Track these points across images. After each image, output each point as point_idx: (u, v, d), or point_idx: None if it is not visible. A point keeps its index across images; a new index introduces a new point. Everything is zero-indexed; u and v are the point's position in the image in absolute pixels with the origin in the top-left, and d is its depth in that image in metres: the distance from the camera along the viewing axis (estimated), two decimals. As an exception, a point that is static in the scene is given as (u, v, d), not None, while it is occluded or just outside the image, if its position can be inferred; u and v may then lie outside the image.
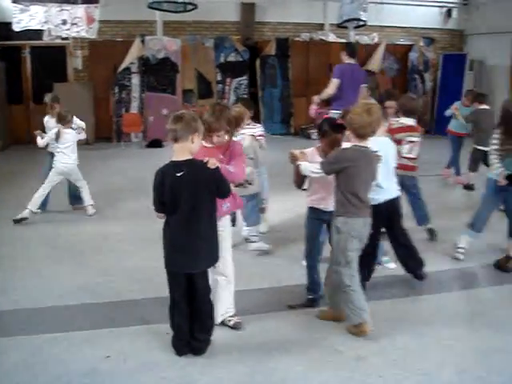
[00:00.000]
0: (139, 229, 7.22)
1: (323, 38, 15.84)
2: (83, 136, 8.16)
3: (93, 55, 14.03)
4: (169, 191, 3.96)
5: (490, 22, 16.12)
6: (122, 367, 4.10)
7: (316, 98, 8.94)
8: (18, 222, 7.51)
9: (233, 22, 15.52)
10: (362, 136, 4.44)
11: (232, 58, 15.08)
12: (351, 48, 9.37)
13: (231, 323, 4.68)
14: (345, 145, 4.62)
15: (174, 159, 4.02)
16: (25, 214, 7.56)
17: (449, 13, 17.32)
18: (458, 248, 6.36)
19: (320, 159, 4.70)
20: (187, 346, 4.25)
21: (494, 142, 6.04)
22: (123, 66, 13.91)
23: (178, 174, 3.94)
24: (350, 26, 13.10)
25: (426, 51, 16.72)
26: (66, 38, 13.28)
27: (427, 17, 17.14)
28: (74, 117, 8.05)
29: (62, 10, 11.61)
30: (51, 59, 14.25)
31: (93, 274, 5.82)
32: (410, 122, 6.46)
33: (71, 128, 7.85)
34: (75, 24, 11.73)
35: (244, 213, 6.43)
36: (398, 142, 6.17)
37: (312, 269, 5.09)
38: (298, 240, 6.06)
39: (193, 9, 11.00)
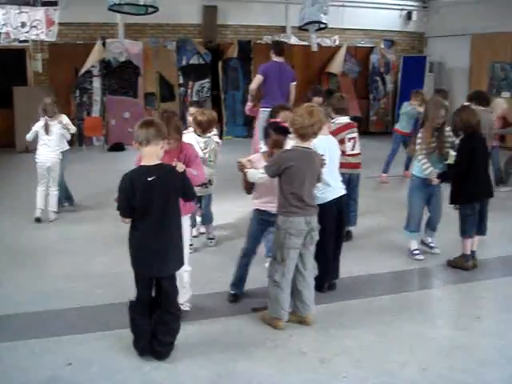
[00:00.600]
0: (102, 233, 7.16)
1: (285, 40, 15.87)
2: (68, 135, 8.09)
3: (53, 58, 13.83)
4: (140, 196, 3.97)
5: (449, 24, 16.37)
6: (84, 374, 4.05)
7: (249, 97, 9.32)
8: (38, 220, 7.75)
9: (195, 25, 15.45)
10: (303, 137, 4.54)
11: (194, 60, 15.04)
12: (279, 46, 9.49)
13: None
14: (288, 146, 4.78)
15: (144, 164, 4.04)
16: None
17: (409, 15, 17.52)
18: (413, 251, 6.50)
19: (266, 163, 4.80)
20: (149, 347, 4.22)
21: (419, 141, 6.29)
22: (84, 69, 13.76)
23: (150, 179, 3.96)
24: (312, 28, 13.16)
25: (386, 53, 16.92)
26: (25, 41, 13.09)
27: (388, 19, 17.30)
28: (64, 116, 8.11)
29: (21, 12, 11.48)
30: (10, 62, 14.01)
31: (55, 279, 5.75)
32: (345, 119, 6.64)
33: (61, 124, 7.87)
34: (35, 27, 11.60)
35: (203, 211, 6.74)
36: (341, 142, 6.33)
37: (243, 267, 5.21)
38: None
39: (154, 11, 10.94)
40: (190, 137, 6.18)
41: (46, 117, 7.71)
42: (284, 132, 4.83)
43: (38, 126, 7.74)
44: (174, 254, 4.18)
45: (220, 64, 15.10)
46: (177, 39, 15.00)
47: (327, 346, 4.47)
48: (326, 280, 5.45)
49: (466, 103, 7.01)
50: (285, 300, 4.68)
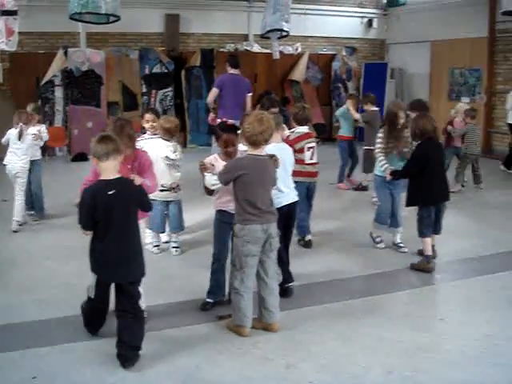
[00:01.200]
0: (66, 243, 7.07)
1: (248, 48, 15.97)
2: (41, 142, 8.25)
3: (14, 68, 13.66)
4: (102, 209, 4.08)
5: (410, 31, 16.61)
6: (48, 388, 4.01)
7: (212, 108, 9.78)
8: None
9: (157, 34, 15.44)
10: (255, 144, 4.62)
11: (157, 69, 14.99)
12: (234, 59, 9.89)
13: None
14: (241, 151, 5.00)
15: (104, 178, 4.16)
16: (13, 226, 7.70)
17: (370, 23, 17.73)
18: (376, 238, 7.02)
19: (222, 162, 4.97)
20: (116, 354, 4.24)
21: (379, 140, 6.74)
22: (46, 78, 13.63)
23: (110, 193, 4.08)
24: (274, 36, 13.24)
25: (348, 60, 17.09)
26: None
27: (349, 27, 17.48)
28: (43, 126, 8.36)
29: (-20, 21, 11.33)
30: (-31, 72, 13.84)
31: (18, 291, 5.66)
32: (305, 129, 6.79)
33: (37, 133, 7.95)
34: (-6, 37, 11.45)
35: (172, 219, 6.81)
36: (300, 151, 6.56)
37: (217, 272, 5.22)
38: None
39: (116, 20, 10.90)
40: (158, 143, 6.52)
41: (21, 124, 7.67)
42: (232, 130, 5.02)
43: (12, 132, 7.71)
44: (136, 260, 4.31)
45: (183, 72, 15.08)
46: (139, 48, 14.94)
47: (293, 352, 4.49)
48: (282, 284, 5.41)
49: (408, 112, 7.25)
50: (247, 307, 4.70)
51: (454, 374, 4.21)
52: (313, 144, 6.81)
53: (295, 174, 5.86)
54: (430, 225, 6.34)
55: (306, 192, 6.69)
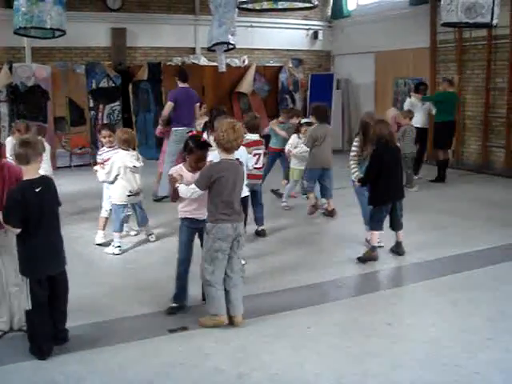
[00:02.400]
0: None
1: (195, 61, 15.99)
2: None
3: (-43, 84, 13.46)
4: (32, 206, 4.40)
5: (354, 42, 16.90)
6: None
7: (160, 120, 10.55)
8: None
9: (104, 48, 15.35)
10: (228, 150, 5.02)
11: (104, 83, 14.86)
12: (183, 74, 10.77)
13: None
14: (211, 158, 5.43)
15: (29, 178, 4.50)
16: None
17: (315, 35, 17.97)
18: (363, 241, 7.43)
19: (188, 173, 5.32)
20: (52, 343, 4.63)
21: (354, 149, 7.24)
22: (-9, 94, 13.45)
23: (37, 190, 4.44)
24: (220, 49, 13.32)
25: (295, 72, 17.24)
26: None
27: (295, 39, 17.67)
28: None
29: None
30: None
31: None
32: (254, 137, 7.54)
33: None
34: None
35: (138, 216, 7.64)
36: None
37: (182, 277, 5.45)
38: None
39: (62, 35, 10.83)
40: (121, 154, 7.21)
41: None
42: (204, 146, 5.41)
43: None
44: (63, 251, 4.76)
45: (130, 86, 15.02)
46: (86, 62, 14.81)
47: (244, 362, 4.53)
48: None
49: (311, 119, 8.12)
50: (220, 296, 5.06)
51: (403, 376, 4.32)
52: (260, 151, 7.50)
53: None
54: (382, 221, 6.91)
55: (252, 191, 7.38)
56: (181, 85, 10.58)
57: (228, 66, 14.87)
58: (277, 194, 10.43)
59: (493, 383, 4.24)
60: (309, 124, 9.42)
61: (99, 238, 7.66)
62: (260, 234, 7.98)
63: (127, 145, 7.25)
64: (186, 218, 5.41)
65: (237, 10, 11.68)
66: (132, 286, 6.22)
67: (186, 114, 10.27)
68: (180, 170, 5.41)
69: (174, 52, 16.04)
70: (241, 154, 5.82)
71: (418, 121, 12.06)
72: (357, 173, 7.21)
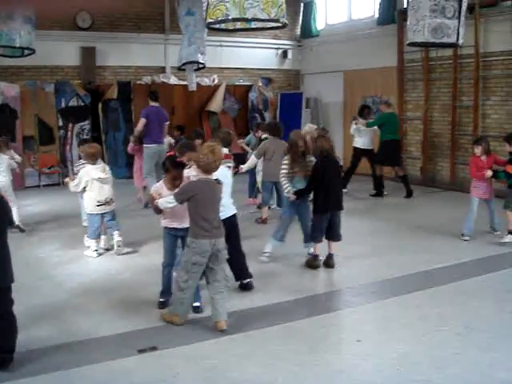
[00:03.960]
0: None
1: (165, 80, 16.03)
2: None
3: None
4: None
5: (323, 61, 17.11)
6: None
7: (132, 138, 11.44)
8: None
9: (73, 67, 15.31)
10: (207, 171, 5.41)
11: (73, 102, 14.80)
12: (154, 94, 11.64)
13: None
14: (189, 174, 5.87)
15: None
16: None
17: (285, 54, 18.13)
18: (264, 253, 7.60)
19: (167, 191, 5.86)
20: None
21: (284, 166, 7.51)
22: (-42, 113, 13.31)
23: None
24: (190, 68, 13.37)
25: (264, 91, 17.38)
26: None
27: (265, 58, 17.84)
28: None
29: None
30: None
31: None
32: (225, 151, 7.57)
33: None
34: None
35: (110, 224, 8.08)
36: None
37: (166, 277, 6.06)
38: (149, 285, 6.29)
39: (31, 53, 10.81)
40: (88, 168, 7.80)
41: None
42: (180, 166, 5.87)
43: None
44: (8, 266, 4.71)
45: (100, 105, 15.00)
46: (55, 81, 14.76)
47: (215, 381, 4.52)
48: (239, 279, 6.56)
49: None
50: (186, 303, 5.52)
51: (372, 393, 4.35)
52: (230, 164, 7.53)
53: None
54: (322, 230, 7.30)
55: None
56: (152, 103, 11.36)
57: (198, 85, 14.95)
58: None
59: (461, 398, 4.29)
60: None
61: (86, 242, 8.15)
62: None
63: (94, 158, 7.86)
64: (166, 227, 5.97)
65: (206, 29, 11.75)
66: (100, 306, 6.15)
67: (156, 132, 11.08)
68: (160, 187, 6.00)
69: (144, 71, 16.08)
70: (221, 174, 6.01)
71: (363, 143, 12.85)
72: (289, 187, 7.41)
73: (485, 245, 8.49)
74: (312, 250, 7.53)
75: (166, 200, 5.54)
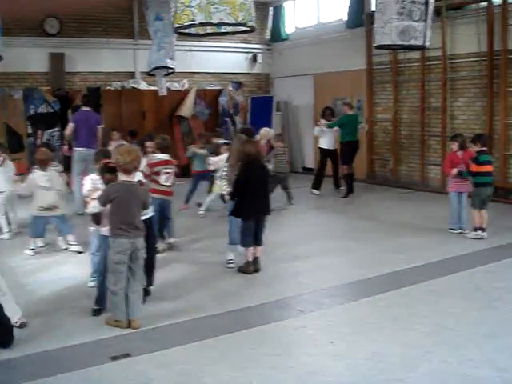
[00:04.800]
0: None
1: (135, 86, 15.99)
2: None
3: None
4: None
5: (293, 65, 17.19)
6: None
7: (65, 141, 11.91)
8: None
9: (42, 73, 15.19)
10: (126, 171, 5.53)
11: (43, 109, 14.68)
12: (86, 98, 11.97)
13: (17, 324, 5.45)
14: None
15: None
16: None
17: (254, 58, 18.19)
18: (228, 261, 7.69)
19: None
20: None
21: (225, 169, 7.96)
22: None
23: None
24: (159, 73, 13.35)
25: (235, 95, 17.39)
26: None
27: (235, 62, 17.89)
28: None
29: None
30: None
31: None
32: (165, 157, 8.08)
33: None
34: None
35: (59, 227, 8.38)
36: (157, 173, 7.89)
37: (102, 285, 5.89)
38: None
39: (-1, 60, 10.71)
40: (37, 174, 8.11)
41: None
42: (113, 170, 5.80)
43: None
44: None
45: (69, 112, 14.87)
46: (24, 88, 14.64)
47: (186, 387, 4.52)
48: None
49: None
50: (121, 304, 5.56)
51: (344, 393, 4.38)
52: (170, 170, 8.05)
53: (151, 191, 7.15)
54: (250, 235, 7.37)
55: (160, 207, 7.81)
56: (83, 108, 11.64)
57: (168, 89, 14.95)
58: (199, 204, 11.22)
59: (432, 396, 4.34)
60: (227, 144, 10.10)
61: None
62: (170, 247, 8.52)
63: (43, 164, 8.15)
64: (106, 236, 5.85)
65: (175, 34, 11.76)
66: (73, 313, 6.09)
67: (85, 136, 11.23)
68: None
69: (114, 76, 16.03)
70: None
71: (327, 143, 13.32)
72: (228, 189, 7.73)
73: (455, 244, 8.62)
74: (231, 256, 7.71)
75: (92, 205, 5.86)
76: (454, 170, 8.94)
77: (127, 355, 5.03)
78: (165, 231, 8.49)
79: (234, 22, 6.71)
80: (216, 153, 10.30)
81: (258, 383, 4.54)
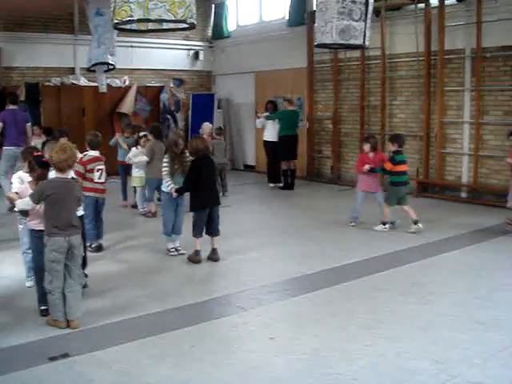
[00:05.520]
0: None
1: (75, 82, 15.75)
2: None
3: None
4: None
5: (235, 62, 17.23)
6: None
7: None
8: None
9: (-23, 68, 14.85)
10: (61, 169, 5.52)
11: (-22, 105, 14.35)
12: (12, 97, 11.73)
13: None
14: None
15: None
16: None
17: (196, 55, 18.13)
18: (170, 249, 8.02)
19: (31, 191, 5.67)
20: None
21: (164, 164, 7.93)
22: None
23: None
24: (100, 69, 13.19)
25: (176, 92, 17.31)
26: None
27: (176, 59, 17.79)
28: None
29: None
30: None
31: None
32: (96, 153, 8.13)
33: None
34: None
35: None
36: (90, 171, 7.92)
37: (41, 281, 5.69)
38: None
39: None
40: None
41: None
42: (47, 166, 5.73)
43: None
44: None
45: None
46: (-42, 84, 14.28)
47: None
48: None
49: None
50: (58, 304, 5.48)
51: (284, 388, 4.42)
52: (102, 167, 8.08)
53: (86, 189, 7.60)
54: (201, 227, 7.65)
55: (95, 205, 8.01)
56: (10, 107, 11.44)
57: (109, 86, 14.79)
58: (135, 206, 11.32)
59: (369, 388, 4.43)
60: (145, 136, 10.64)
61: None
62: (100, 248, 8.30)
63: None
64: (34, 229, 5.78)
65: (115, 30, 11.64)
66: (10, 314, 5.99)
67: (14, 134, 11.14)
68: (25, 188, 5.85)
69: (53, 72, 15.75)
70: None
71: (270, 136, 13.80)
72: (172, 185, 7.83)
73: (392, 240, 8.81)
74: (170, 245, 8.06)
75: (23, 202, 5.59)
76: (366, 166, 9.33)
77: (66, 355, 4.95)
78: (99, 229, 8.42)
79: (172, 18, 6.66)
80: (137, 145, 10.81)
81: (198, 381, 4.55)
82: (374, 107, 13.80)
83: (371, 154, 9.47)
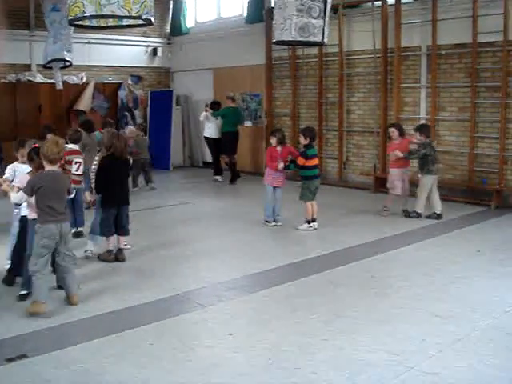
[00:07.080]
0: None
1: (31, 78, 15.50)
2: None
3: None
4: None
5: (193, 59, 17.17)
6: None
7: None
8: None
9: None
10: (52, 161, 5.81)
11: None
12: None
13: None
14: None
15: None
16: None
17: (154, 52, 18.03)
18: (87, 250, 7.88)
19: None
20: None
21: (95, 163, 7.79)
22: None
23: None
24: (56, 66, 13.03)
25: (134, 89, 17.21)
26: None
27: (134, 56, 17.66)
28: None
29: None
30: None
31: None
32: (75, 147, 8.75)
33: None
34: None
35: None
36: (69, 163, 8.31)
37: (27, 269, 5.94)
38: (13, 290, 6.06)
39: None
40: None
41: None
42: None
43: None
44: None
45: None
46: None
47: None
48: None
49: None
50: (41, 284, 5.72)
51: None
52: (79, 160, 8.59)
53: None
54: (110, 226, 7.65)
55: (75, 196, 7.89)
56: None
57: (65, 83, 14.62)
58: None
59: (328, 381, 4.46)
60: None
61: None
62: (78, 235, 8.73)
63: None
64: (34, 219, 5.99)
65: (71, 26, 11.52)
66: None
67: None
68: (25, 178, 6.04)
69: (9, 68, 15.44)
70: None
71: (210, 132, 14.53)
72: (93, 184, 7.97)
73: (350, 235, 8.92)
74: (90, 246, 7.94)
75: (18, 196, 5.91)
76: (281, 165, 9.32)
77: (23, 356, 4.88)
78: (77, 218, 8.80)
79: (126, 14, 6.60)
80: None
81: (159, 379, 4.53)
82: (332, 103, 13.92)
83: (279, 148, 9.47)
